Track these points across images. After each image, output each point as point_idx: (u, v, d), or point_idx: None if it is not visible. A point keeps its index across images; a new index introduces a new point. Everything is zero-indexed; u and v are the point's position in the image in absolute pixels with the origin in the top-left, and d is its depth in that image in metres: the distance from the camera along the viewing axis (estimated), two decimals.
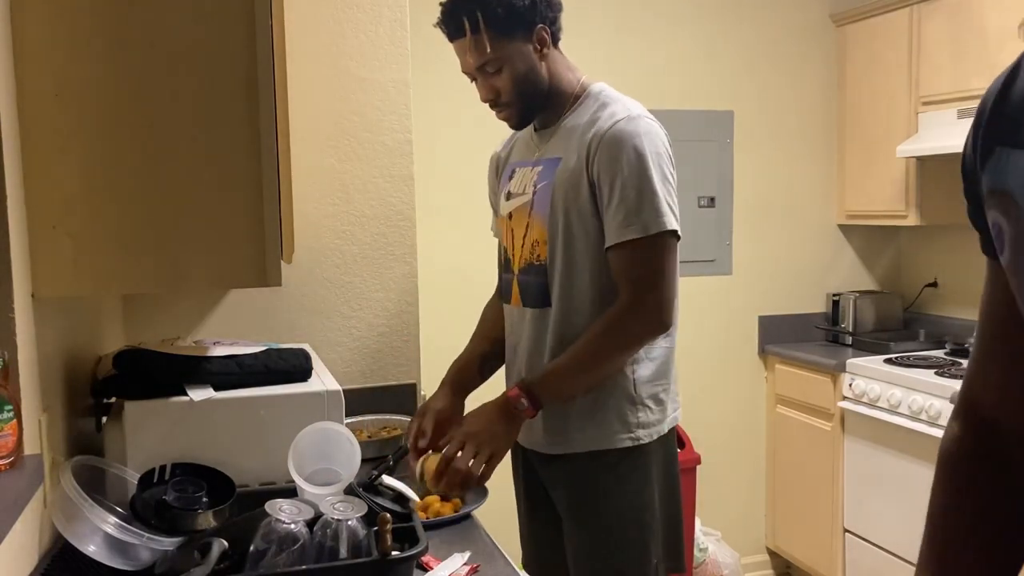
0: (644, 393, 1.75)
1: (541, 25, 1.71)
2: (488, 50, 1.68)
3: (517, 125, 1.82)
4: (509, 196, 1.86)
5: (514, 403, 1.64)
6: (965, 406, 0.93)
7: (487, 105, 1.79)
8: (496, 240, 2.01)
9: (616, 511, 1.74)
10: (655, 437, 1.76)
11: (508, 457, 1.96)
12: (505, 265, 1.88)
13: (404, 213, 2.45)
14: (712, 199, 3.60)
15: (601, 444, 1.73)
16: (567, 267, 1.72)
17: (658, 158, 1.66)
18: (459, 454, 1.60)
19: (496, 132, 2.04)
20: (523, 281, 1.81)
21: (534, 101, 1.76)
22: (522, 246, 1.81)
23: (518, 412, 1.65)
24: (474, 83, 1.77)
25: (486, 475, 1.63)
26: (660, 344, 1.76)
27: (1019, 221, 0.73)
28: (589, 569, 1.77)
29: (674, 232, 1.65)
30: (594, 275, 1.71)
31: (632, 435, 1.74)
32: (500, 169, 1.97)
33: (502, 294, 1.90)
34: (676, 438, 1.86)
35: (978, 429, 0.91)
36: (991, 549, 0.90)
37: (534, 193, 1.78)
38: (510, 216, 1.85)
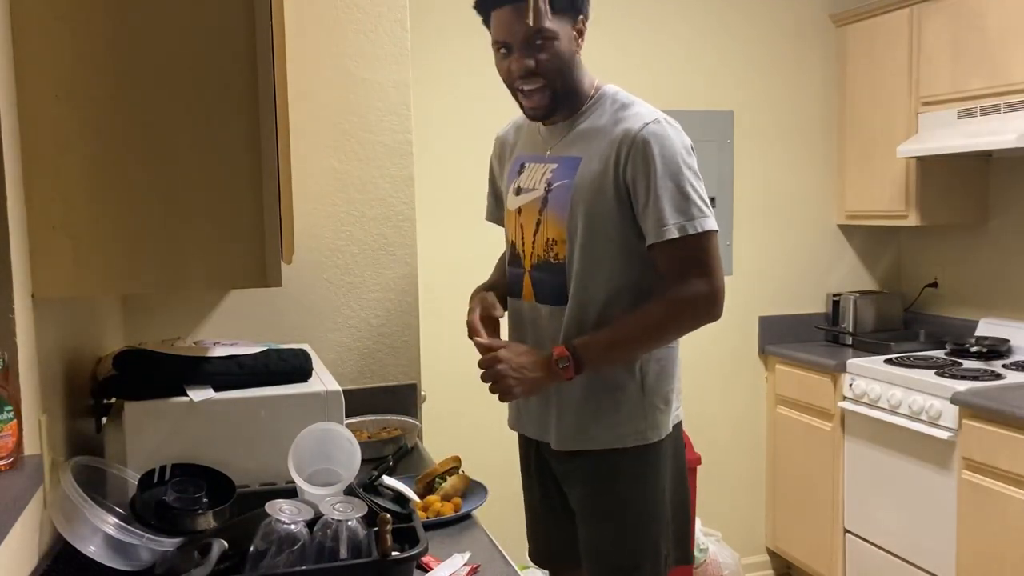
0: (654, 395, 1.78)
1: (582, 16, 1.73)
2: (548, 16, 1.66)
3: (544, 110, 1.76)
4: (519, 191, 1.85)
5: (556, 361, 1.68)
6: None
7: (506, 89, 1.76)
8: (492, 226, 2.01)
9: (630, 507, 1.77)
10: (663, 436, 1.79)
11: (516, 451, 1.98)
12: (515, 260, 1.88)
13: (404, 213, 2.45)
14: (712, 199, 3.58)
15: (614, 444, 1.76)
16: (586, 267, 1.73)
17: (691, 159, 1.71)
18: (494, 367, 1.70)
19: (495, 132, 2.04)
20: (537, 278, 1.82)
21: (566, 90, 1.74)
22: (533, 243, 1.81)
23: (558, 371, 1.69)
24: (504, 57, 1.72)
25: (502, 399, 1.76)
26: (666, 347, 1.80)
27: None
28: (602, 564, 1.79)
29: (716, 231, 1.71)
30: (610, 275, 1.73)
31: (644, 436, 1.77)
32: (505, 155, 1.96)
33: (511, 289, 1.91)
34: (682, 431, 1.88)
35: None
36: None
37: (547, 191, 1.77)
38: (519, 211, 1.85)
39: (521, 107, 1.80)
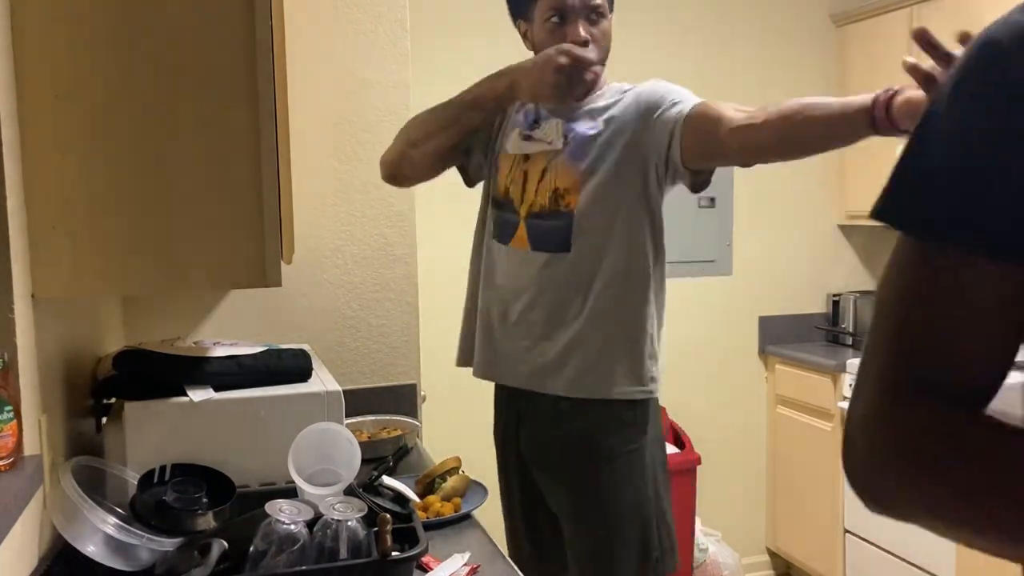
0: (655, 348, 1.79)
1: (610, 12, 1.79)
2: None
3: (590, 85, 1.75)
4: (529, 138, 1.82)
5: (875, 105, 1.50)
6: None
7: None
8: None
9: (616, 509, 1.75)
10: (654, 394, 1.79)
11: (495, 462, 1.97)
12: (504, 205, 1.85)
13: (404, 213, 2.45)
14: (712, 199, 3.59)
15: (622, 392, 1.74)
16: (600, 217, 1.73)
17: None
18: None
19: None
20: (536, 225, 1.79)
21: (600, 76, 1.79)
22: (536, 191, 1.79)
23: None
24: (557, 27, 1.72)
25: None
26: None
27: None
28: (593, 570, 1.77)
29: None
30: (627, 226, 1.74)
31: (646, 388, 1.77)
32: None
33: (498, 233, 1.86)
34: (660, 416, 1.86)
35: None
36: None
37: (566, 143, 1.77)
38: (526, 158, 1.82)
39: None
